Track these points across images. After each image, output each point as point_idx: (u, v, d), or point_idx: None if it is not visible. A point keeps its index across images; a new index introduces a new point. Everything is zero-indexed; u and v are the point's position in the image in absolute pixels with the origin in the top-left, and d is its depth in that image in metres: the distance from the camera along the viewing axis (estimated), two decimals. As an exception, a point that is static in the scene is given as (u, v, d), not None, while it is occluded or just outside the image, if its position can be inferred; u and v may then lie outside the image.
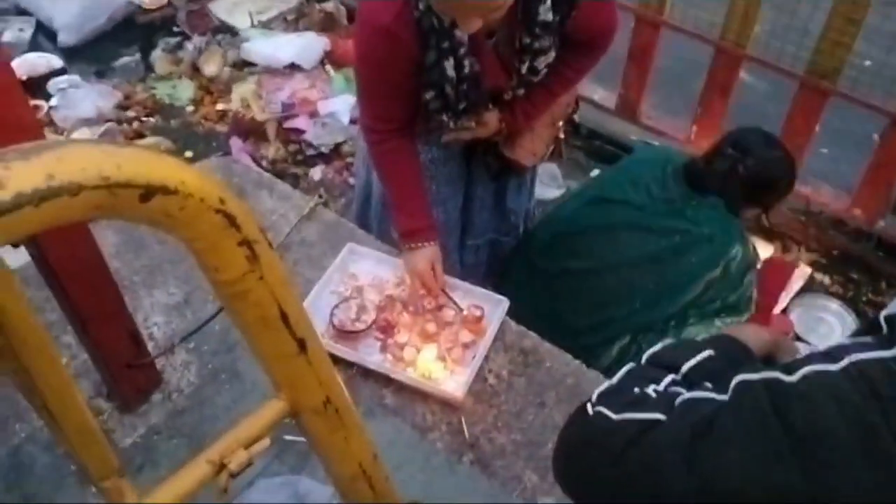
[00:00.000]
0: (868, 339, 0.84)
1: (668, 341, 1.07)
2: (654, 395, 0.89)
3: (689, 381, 0.92)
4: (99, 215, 0.64)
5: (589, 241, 2.18)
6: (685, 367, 0.93)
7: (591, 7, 1.57)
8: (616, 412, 0.86)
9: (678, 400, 0.85)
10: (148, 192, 0.64)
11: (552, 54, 1.66)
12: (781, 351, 1.09)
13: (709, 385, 0.87)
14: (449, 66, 1.60)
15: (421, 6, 1.49)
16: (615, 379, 0.96)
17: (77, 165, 0.60)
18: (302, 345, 0.85)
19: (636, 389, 0.90)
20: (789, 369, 0.81)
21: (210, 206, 0.69)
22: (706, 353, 0.94)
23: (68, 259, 1.33)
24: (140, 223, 0.69)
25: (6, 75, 1.15)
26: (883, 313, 0.86)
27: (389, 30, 1.53)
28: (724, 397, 0.83)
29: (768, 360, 1.06)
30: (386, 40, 1.55)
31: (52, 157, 0.60)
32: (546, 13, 1.53)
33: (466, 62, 1.62)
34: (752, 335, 1.03)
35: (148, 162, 0.65)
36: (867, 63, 2.50)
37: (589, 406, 0.89)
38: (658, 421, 0.83)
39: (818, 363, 0.80)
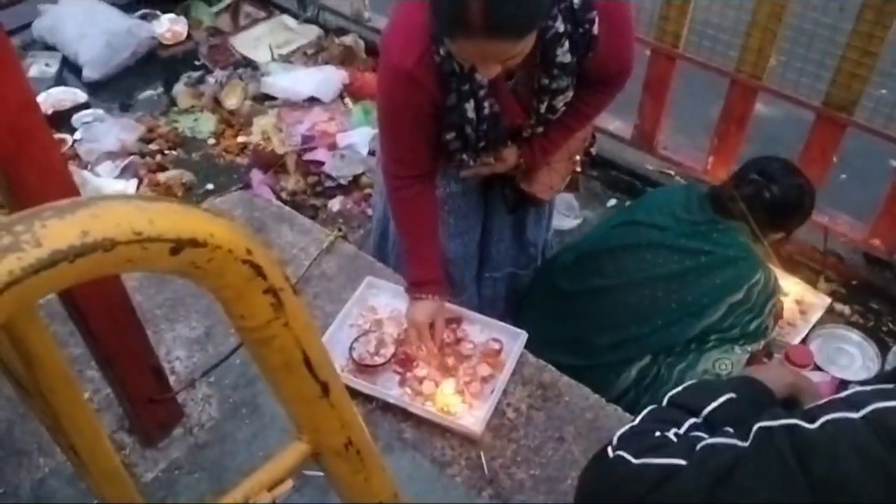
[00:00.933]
0: (890, 386, 0.84)
1: (689, 382, 1.07)
2: (674, 439, 0.89)
3: (711, 425, 0.92)
4: (130, 268, 0.66)
5: (613, 259, 2.20)
6: (706, 411, 0.93)
7: (607, 48, 1.59)
8: (636, 456, 0.86)
9: (699, 445, 0.85)
10: (178, 246, 0.66)
11: (570, 94, 1.68)
12: (804, 393, 1.08)
13: (730, 430, 0.87)
14: (469, 107, 1.63)
15: (442, 51, 1.51)
16: (637, 420, 0.96)
17: (111, 221, 0.62)
18: (325, 388, 0.86)
19: (657, 433, 0.91)
20: (811, 416, 0.81)
21: (237, 256, 0.71)
22: (727, 396, 0.95)
23: (93, 295, 1.36)
24: (169, 274, 0.71)
25: (35, 117, 1.18)
26: None
27: (412, 74, 1.55)
28: (745, 444, 0.83)
29: (790, 403, 1.06)
30: (408, 84, 1.57)
31: (86, 213, 0.62)
32: (564, 55, 1.55)
33: (486, 103, 1.64)
34: (774, 377, 1.03)
35: (178, 216, 0.67)
36: (883, 92, 2.50)
37: (610, 449, 0.90)
38: (679, 467, 0.84)
39: (839, 411, 0.80)
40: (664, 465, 0.84)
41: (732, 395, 0.94)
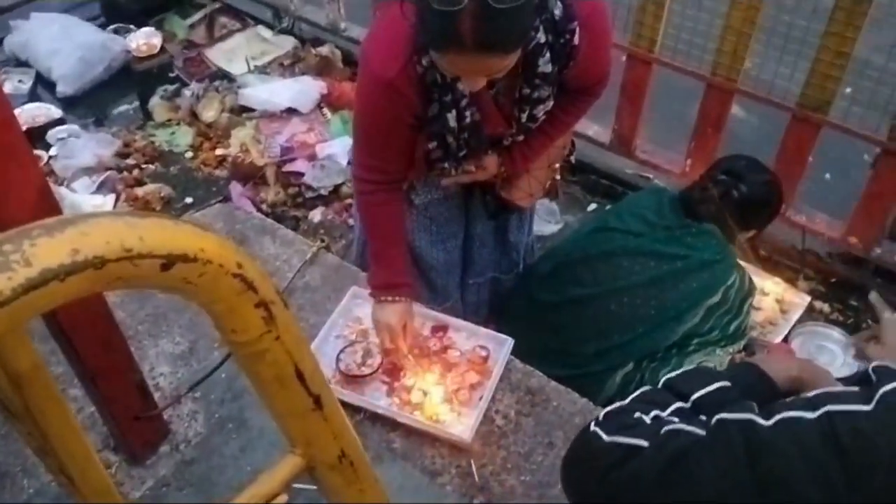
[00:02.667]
0: (856, 388, 0.87)
1: (689, 367, 1.10)
2: (648, 421, 0.93)
3: (697, 410, 0.94)
4: (122, 286, 0.65)
5: (589, 268, 2.21)
6: (695, 396, 0.95)
7: (587, 58, 1.60)
8: (608, 434, 0.91)
9: (664, 429, 0.89)
10: (169, 262, 0.65)
11: (550, 103, 1.69)
12: (808, 387, 1.07)
13: (702, 418, 0.91)
14: (451, 117, 1.63)
15: (424, 62, 1.52)
16: (627, 399, 1.00)
17: (101, 239, 0.62)
18: (317, 401, 0.86)
19: (637, 413, 0.94)
20: (769, 412, 0.84)
21: (228, 271, 0.71)
22: (721, 383, 0.96)
23: (77, 313, 1.34)
24: (160, 290, 0.71)
25: (15, 134, 1.17)
26: (872, 364, 0.90)
27: (393, 84, 1.55)
28: (703, 432, 0.86)
29: (792, 393, 1.06)
30: (389, 94, 1.57)
31: (75, 231, 0.61)
32: (545, 65, 1.57)
33: (468, 113, 1.65)
34: (779, 368, 1.04)
35: (168, 232, 0.66)
36: (848, 90, 2.53)
37: (592, 423, 0.95)
38: (640, 448, 0.88)
39: (799, 410, 0.83)
40: (628, 445, 0.89)
41: (727, 383, 0.96)
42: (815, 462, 0.79)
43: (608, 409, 0.99)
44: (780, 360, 1.09)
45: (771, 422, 0.83)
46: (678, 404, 0.95)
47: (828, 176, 3.17)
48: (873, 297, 1.41)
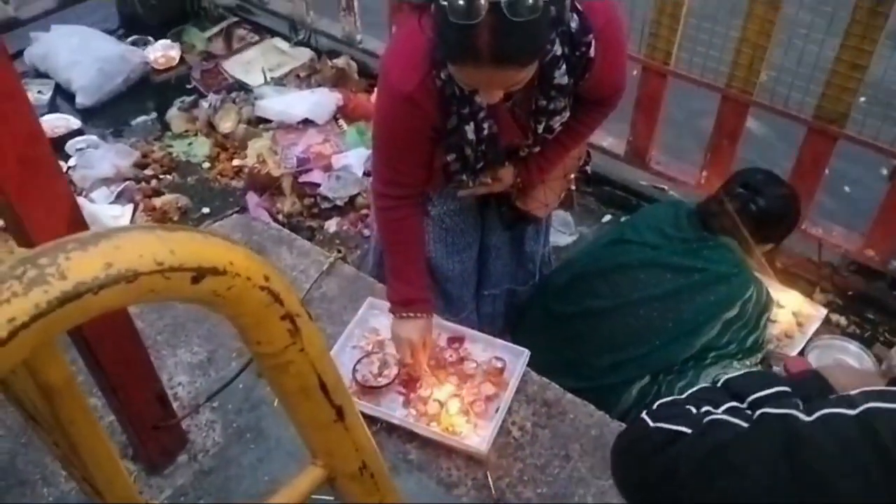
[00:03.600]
0: (894, 388, 0.88)
1: (749, 369, 1.12)
2: (695, 413, 0.94)
3: (739, 413, 0.95)
4: (153, 298, 0.66)
5: (606, 280, 2.21)
6: (752, 397, 0.96)
7: (603, 70, 1.61)
8: (654, 421, 0.93)
9: (707, 419, 0.90)
10: (199, 275, 0.66)
11: (566, 114, 1.70)
12: None
13: (747, 412, 0.92)
14: (469, 129, 1.65)
15: (443, 75, 1.53)
16: (684, 395, 1.02)
17: (133, 252, 0.63)
18: (339, 412, 0.87)
19: (689, 406, 0.96)
20: (810, 409, 0.85)
21: (256, 283, 0.72)
22: (780, 388, 0.96)
23: (100, 325, 1.36)
24: (189, 303, 0.72)
25: (43, 147, 1.18)
26: None
27: (412, 98, 1.57)
28: (746, 425, 0.88)
29: None
30: (408, 108, 1.59)
31: (109, 245, 0.63)
32: (562, 77, 1.57)
33: (485, 125, 1.66)
34: (845, 383, 1.04)
35: (199, 245, 0.68)
36: (862, 100, 2.52)
37: (644, 414, 0.97)
38: (683, 434, 0.89)
39: (838, 407, 0.84)
40: (671, 431, 0.91)
41: (787, 388, 0.96)
42: (854, 458, 0.79)
43: (661, 401, 1.01)
44: (844, 373, 1.08)
45: (812, 417, 0.84)
46: (733, 403, 0.97)
47: (847, 189, 3.16)
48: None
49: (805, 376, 1.07)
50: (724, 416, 0.91)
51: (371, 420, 1.79)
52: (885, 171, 2.58)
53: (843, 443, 0.80)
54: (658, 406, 1.00)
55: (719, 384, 1.01)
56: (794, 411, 0.85)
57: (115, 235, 0.64)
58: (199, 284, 0.67)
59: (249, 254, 0.73)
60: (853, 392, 0.88)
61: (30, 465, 1.76)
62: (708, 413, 0.94)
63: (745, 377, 1.03)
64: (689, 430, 0.90)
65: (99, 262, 0.61)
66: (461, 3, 1.29)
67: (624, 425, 1.83)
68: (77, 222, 1.15)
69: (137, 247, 0.63)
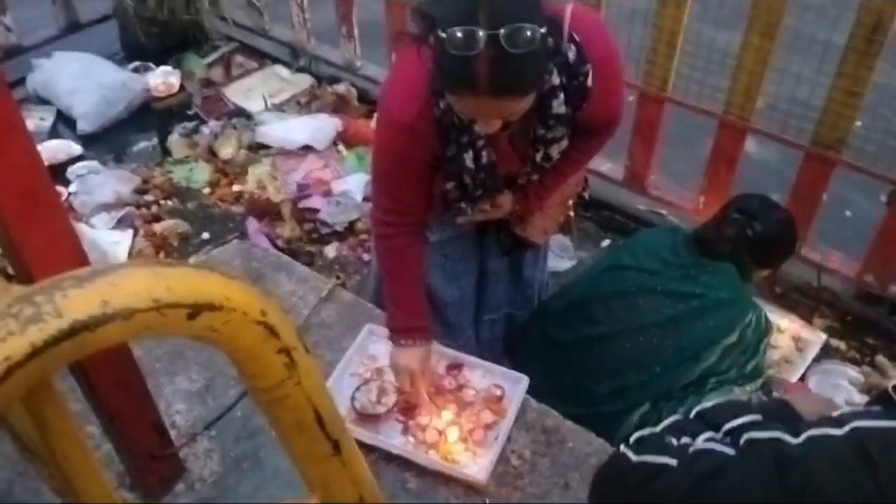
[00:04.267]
0: (878, 408, 0.89)
1: (720, 399, 1.12)
2: (677, 445, 0.94)
3: (721, 441, 0.95)
4: (149, 335, 0.66)
5: (604, 307, 2.20)
6: (727, 426, 0.96)
7: (600, 99, 1.62)
8: (637, 454, 0.92)
9: (691, 449, 0.90)
10: (195, 311, 0.67)
11: (565, 142, 1.71)
12: None
13: (726, 439, 0.92)
14: (468, 157, 1.66)
15: (442, 105, 1.54)
16: (659, 426, 1.01)
17: (130, 290, 0.63)
18: (336, 446, 0.86)
19: (668, 438, 0.95)
20: (796, 430, 0.86)
21: (252, 318, 0.72)
22: (753, 416, 0.97)
23: (98, 355, 1.35)
24: (185, 338, 0.72)
25: (42, 179, 1.19)
26: (891, 383, 0.91)
27: (412, 127, 1.58)
28: (733, 452, 0.88)
29: None
30: (408, 137, 1.60)
31: (105, 283, 0.63)
32: (559, 106, 1.59)
33: (484, 153, 1.67)
34: (807, 405, 1.04)
35: (195, 281, 0.68)
36: (858, 124, 2.53)
37: (622, 446, 0.96)
38: (668, 466, 0.89)
39: (824, 426, 0.85)
40: (656, 464, 0.90)
41: (759, 416, 0.96)
42: (846, 474, 0.80)
43: (638, 434, 1.01)
44: (807, 401, 1.10)
45: (800, 439, 0.85)
46: (709, 433, 0.97)
47: (848, 213, 3.17)
48: (880, 360, 1.43)
49: (773, 405, 1.08)
50: (710, 445, 0.92)
51: (369, 448, 1.79)
52: (883, 198, 2.58)
53: (833, 462, 0.81)
54: (637, 439, 0.99)
55: (692, 415, 1.02)
56: (781, 434, 0.86)
57: (112, 272, 0.64)
58: (195, 320, 0.67)
59: (246, 288, 0.73)
60: (835, 413, 0.89)
61: (27, 493, 1.75)
62: (686, 444, 0.94)
63: (717, 408, 1.03)
64: (674, 462, 0.90)
65: (95, 300, 0.62)
66: (459, 35, 1.30)
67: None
68: (76, 254, 1.15)
69: (133, 284, 0.63)
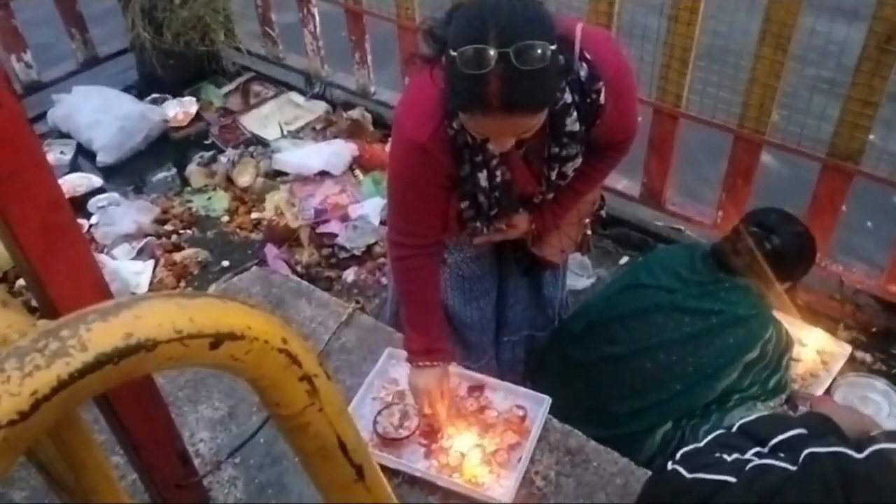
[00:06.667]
0: None
1: (763, 412, 1.11)
2: (729, 460, 0.92)
3: (775, 455, 0.94)
4: (172, 366, 0.67)
5: (624, 326, 2.19)
6: (774, 441, 0.95)
7: (613, 116, 1.63)
8: (690, 472, 0.91)
9: (749, 465, 0.88)
10: (217, 340, 0.67)
11: (579, 160, 1.72)
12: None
13: (781, 454, 0.90)
14: (482, 177, 1.66)
15: (455, 125, 1.55)
16: (703, 442, 1.00)
17: (153, 321, 0.64)
18: (359, 472, 0.87)
19: (717, 454, 0.94)
20: (860, 446, 0.83)
21: (273, 346, 0.73)
22: (797, 430, 0.96)
23: (122, 386, 1.36)
24: (208, 368, 0.73)
25: (65, 214, 1.20)
26: None
27: (426, 148, 1.59)
28: (794, 468, 0.86)
29: None
30: (422, 158, 1.61)
31: (129, 315, 0.64)
32: (573, 124, 1.59)
33: (498, 172, 1.68)
34: (849, 422, 1.03)
35: (217, 311, 0.69)
36: (871, 137, 2.51)
37: (670, 463, 0.94)
38: (727, 483, 0.87)
39: (888, 442, 0.83)
40: (714, 481, 0.88)
41: (803, 430, 0.95)
42: None
43: (684, 450, 0.99)
44: (843, 412, 1.09)
45: (864, 454, 0.83)
46: (756, 448, 0.96)
47: (870, 224, 3.14)
48: None
49: (815, 419, 1.06)
50: (768, 461, 0.90)
51: (392, 473, 1.78)
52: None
53: None
54: (684, 455, 0.98)
55: (734, 429, 1.01)
56: (844, 449, 0.84)
57: (135, 304, 0.65)
58: (217, 350, 0.68)
59: (267, 316, 0.74)
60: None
61: (53, 526, 1.76)
62: (739, 460, 0.93)
63: (760, 421, 1.02)
64: (732, 479, 0.89)
65: (119, 332, 0.62)
66: (471, 53, 1.32)
67: (650, 472, 1.81)
68: (100, 287, 1.16)
69: (156, 315, 0.64)
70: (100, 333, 0.62)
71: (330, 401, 0.81)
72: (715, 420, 2.06)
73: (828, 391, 2.56)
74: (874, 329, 2.82)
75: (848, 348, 2.66)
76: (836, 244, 2.78)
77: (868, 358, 2.75)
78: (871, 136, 2.47)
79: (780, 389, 2.19)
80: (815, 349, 2.62)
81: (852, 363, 2.67)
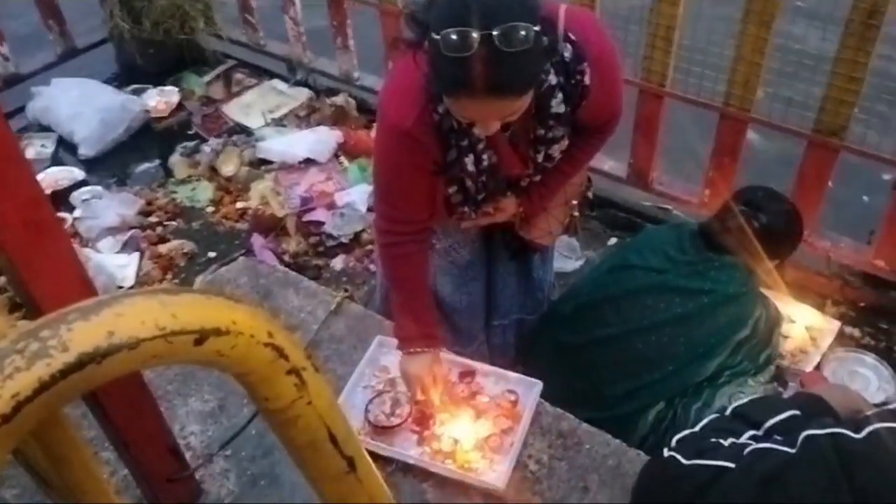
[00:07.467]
0: None
1: (755, 396, 1.11)
2: (726, 445, 0.93)
3: (771, 438, 0.94)
4: (156, 363, 0.66)
5: (614, 307, 2.19)
6: (768, 423, 0.95)
7: (599, 97, 1.62)
8: (688, 458, 0.91)
9: (747, 450, 0.88)
10: (202, 336, 0.66)
11: (565, 142, 1.71)
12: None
13: (778, 438, 0.90)
14: (469, 161, 1.65)
15: (440, 109, 1.54)
16: (697, 427, 1.00)
17: (135, 319, 0.63)
18: (351, 463, 0.86)
19: (713, 439, 0.94)
20: (857, 426, 0.84)
21: (259, 341, 0.72)
22: (791, 412, 0.96)
23: (109, 382, 1.35)
24: (194, 364, 0.71)
25: (45, 210, 1.19)
26: None
27: (411, 133, 1.58)
28: (793, 451, 0.86)
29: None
30: (407, 143, 1.60)
31: (111, 314, 0.62)
32: (558, 106, 1.58)
33: (485, 156, 1.67)
34: (841, 401, 1.04)
35: (200, 306, 0.67)
36: (857, 111, 2.51)
37: (665, 450, 0.94)
38: (727, 469, 0.87)
39: (887, 421, 0.83)
40: (713, 467, 0.89)
41: (797, 412, 0.95)
42: None
43: (679, 436, 0.99)
44: (835, 391, 1.09)
45: (862, 434, 0.83)
46: (751, 432, 0.96)
47: (866, 198, 3.15)
48: None
49: (807, 399, 1.07)
50: (765, 445, 0.90)
51: (386, 461, 1.78)
52: (886, 178, 2.57)
53: None
54: (680, 442, 0.98)
55: (727, 413, 1.01)
56: (841, 430, 0.84)
57: (117, 302, 0.64)
58: (202, 346, 0.67)
59: (252, 310, 0.73)
60: (894, 405, 0.88)
61: (44, 524, 1.75)
62: (735, 444, 0.93)
63: (754, 404, 1.03)
64: (731, 464, 0.89)
65: (101, 332, 0.61)
66: (454, 36, 1.30)
67: (642, 454, 1.81)
68: (82, 283, 1.15)
69: (139, 313, 0.63)
70: (81, 333, 0.61)
71: (319, 393, 0.80)
72: (706, 397, 2.07)
73: (817, 367, 2.57)
74: (862, 304, 2.84)
75: (836, 324, 2.67)
76: (822, 220, 2.78)
77: (856, 333, 2.77)
78: (856, 110, 2.47)
79: (769, 362, 2.21)
80: (803, 325, 2.63)
81: (841, 338, 2.69)
